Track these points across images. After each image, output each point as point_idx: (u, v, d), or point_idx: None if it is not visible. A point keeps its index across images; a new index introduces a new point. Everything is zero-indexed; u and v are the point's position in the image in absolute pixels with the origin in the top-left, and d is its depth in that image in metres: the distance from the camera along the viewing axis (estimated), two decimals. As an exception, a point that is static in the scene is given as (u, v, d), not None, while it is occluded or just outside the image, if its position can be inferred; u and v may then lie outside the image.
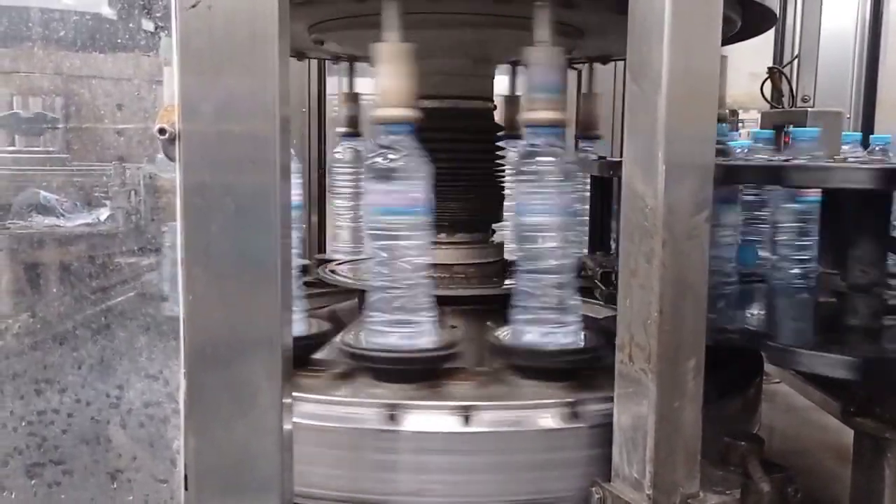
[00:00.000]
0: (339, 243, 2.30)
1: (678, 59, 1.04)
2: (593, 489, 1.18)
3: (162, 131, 0.80)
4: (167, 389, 0.95)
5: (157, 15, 0.89)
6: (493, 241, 1.89)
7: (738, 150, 1.92)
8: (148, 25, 1.05)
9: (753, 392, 1.55)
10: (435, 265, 1.69)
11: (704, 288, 1.10)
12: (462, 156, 1.73)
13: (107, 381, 1.01)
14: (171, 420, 0.89)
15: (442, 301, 1.44)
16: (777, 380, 2.18)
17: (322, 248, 2.69)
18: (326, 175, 2.71)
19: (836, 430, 1.94)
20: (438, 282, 1.70)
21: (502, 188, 1.88)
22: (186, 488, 0.84)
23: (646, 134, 1.07)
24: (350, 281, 1.84)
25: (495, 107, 1.87)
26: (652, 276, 1.07)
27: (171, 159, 0.81)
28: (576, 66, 2.21)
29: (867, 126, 3.17)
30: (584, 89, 2.21)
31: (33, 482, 1.01)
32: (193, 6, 0.78)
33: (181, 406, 0.84)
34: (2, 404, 1.01)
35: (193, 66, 0.81)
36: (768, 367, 1.82)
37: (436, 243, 1.72)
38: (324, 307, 1.85)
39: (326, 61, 2.40)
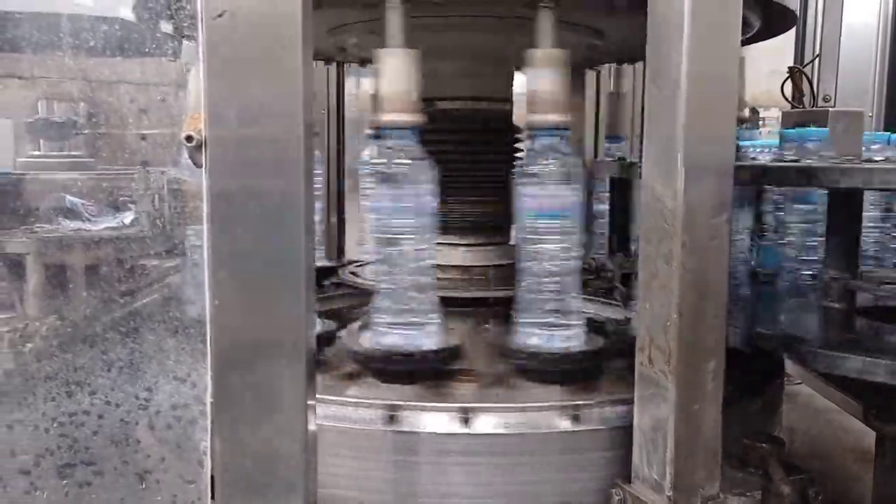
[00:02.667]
0: (365, 245, 2.31)
1: (697, 60, 1.04)
2: (613, 491, 1.18)
3: (189, 138, 0.81)
4: (195, 392, 0.96)
5: (184, 24, 0.90)
6: (510, 243, 1.89)
7: (760, 151, 1.90)
8: (169, 29, 1.07)
9: (774, 393, 1.55)
10: (453, 267, 1.70)
11: (724, 289, 1.10)
12: (479, 157, 1.73)
13: (136, 383, 1.03)
14: (199, 422, 0.90)
15: (460, 303, 1.44)
16: (798, 381, 2.17)
17: (342, 249, 2.70)
18: (344, 176, 2.72)
19: (857, 432, 1.93)
20: (456, 284, 1.71)
21: (520, 189, 1.88)
22: (213, 489, 0.86)
23: (665, 135, 1.07)
24: (361, 281, 1.85)
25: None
26: (671, 278, 1.07)
27: (198, 166, 0.82)
28: (598, 67, 2.21)
29: (889, 126, 3.14)
30: (612, 89, 2.20)
31: (65, 482, 1.03)
32: (219, 16, 0.80)
33: (208, 408, 0.85)
34: (34, 406, 1.04)
35: (219, 74, 0.82)
36: (789, 368, 1.81)
37: (453, 245, 1.73)
38: (339, 308, 1.87)
39: (344, 63, 2.42)
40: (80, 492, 1.02)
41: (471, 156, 1.69)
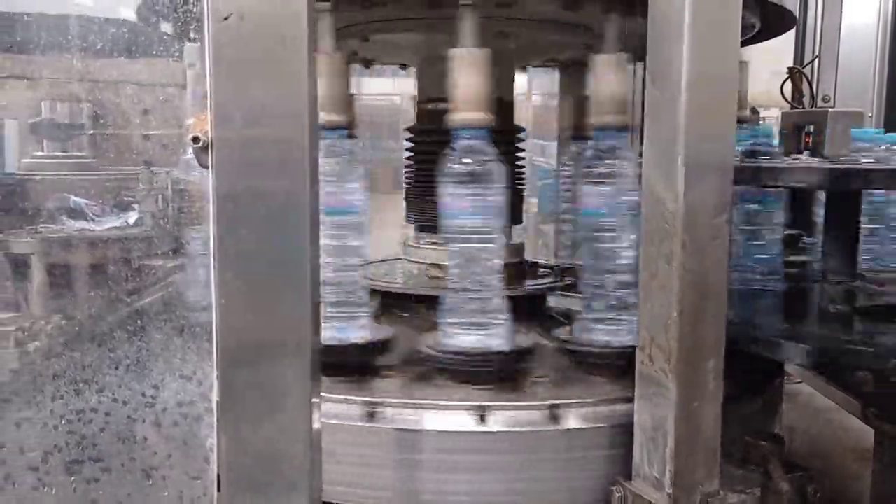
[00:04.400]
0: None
1: (698, 60, 1.05)
2: (614, 488, 1.19)
3: (196, 140, 0.82)
4: (200, 389, 0.97)
5: (189, 26, 0.91)
6: (512, 243, 1.90)
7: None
8: (169, 30, 1.08)
9: (774, 392, 1.56)
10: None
11: (724, 289, 1.11)
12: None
13: (142, 381, 1.04)
14: (205, 419, 0.91)
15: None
16: (798, 380, 2.18)
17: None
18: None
19: (857, 431, 1.93)
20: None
21: (522, 190, 1.89)
22: (219, 486, 0.87)
23: (666, 136, 1.08)
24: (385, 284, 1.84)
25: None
26: (672, 278, 1.08)
27: (205, 167, 0.83)
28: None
29: (889, 126, 3.15)
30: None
31: (72, 479, 1.04)
32: (226, 18, 0.81)
33: (214, 405, 0.86)
34: (42, 403, 1.05)
35: (225, 75, 0.83)
36: (789, 367, 1.82)
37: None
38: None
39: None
40: (87, 488, 1.03)
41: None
